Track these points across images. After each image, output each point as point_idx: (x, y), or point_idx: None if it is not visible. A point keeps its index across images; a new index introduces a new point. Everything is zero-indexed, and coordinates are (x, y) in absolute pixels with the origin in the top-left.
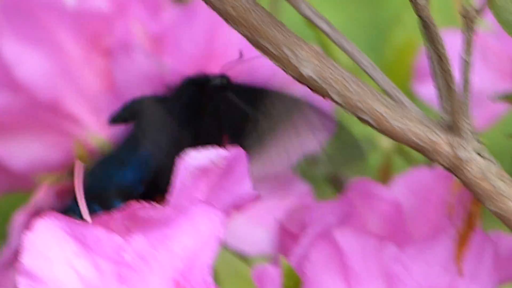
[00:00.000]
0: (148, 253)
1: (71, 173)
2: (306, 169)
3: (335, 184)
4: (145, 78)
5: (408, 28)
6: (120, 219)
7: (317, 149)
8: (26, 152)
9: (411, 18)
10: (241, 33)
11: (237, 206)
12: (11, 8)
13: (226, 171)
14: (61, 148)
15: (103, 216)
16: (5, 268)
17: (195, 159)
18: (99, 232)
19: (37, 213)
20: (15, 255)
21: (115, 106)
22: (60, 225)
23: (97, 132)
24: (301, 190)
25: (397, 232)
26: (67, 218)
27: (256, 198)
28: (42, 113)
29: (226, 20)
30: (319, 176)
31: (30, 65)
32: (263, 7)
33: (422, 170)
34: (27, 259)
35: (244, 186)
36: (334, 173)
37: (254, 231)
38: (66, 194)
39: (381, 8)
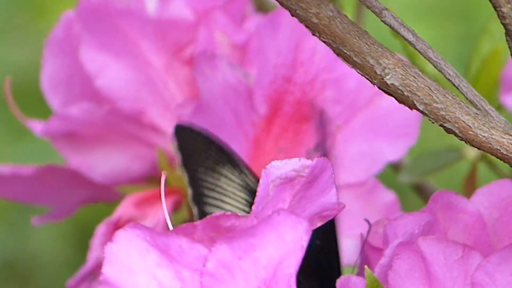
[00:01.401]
0: (232, 263)
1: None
2: (391, 178)
3: (420, 193)
4: (228, 87)
5: (495, 38)
6: (203, 229)
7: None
8: (108, 163)
9: (499, 29)
10: (324, 42)
11: (321, 216)
12: (92, 18)
13: (311, 180)
14: (143, 159)
15: (186, 226)
16: (88, 279)
17: (279, 169)
18: (181, 242)
19: (120, 224)
20: (98, 266)
21: (198, 116)
22: (142, 235)
23: None
24: (388, 199)
25: (480, 245)
26: (149, 228)
27: (341, 208)
28: (124, 124)
29: (309, 28)
30: (404, 185)
31: (113, 75)
32: (346, 16)
33: (505, 182)
34: (109, 270)
35: (329, 196)
36: (419, 182)
37: (342, 242)
38: (148, 205)
39: (470, 20)
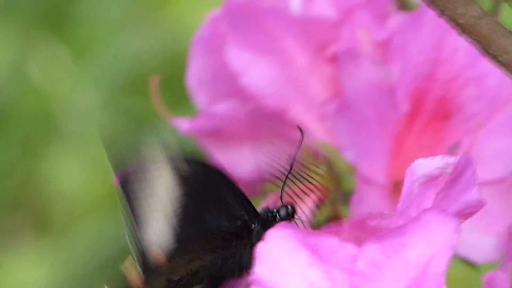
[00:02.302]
0: (382, 262)
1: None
2: None
3: None
4: (371, 85)
5: None
6: (350, 229)
7: None
8: (251, 160)
9: None
10: (469, 41)
11: (464, 214)
12: (237, 16)
13: (454, 178)
14: (287, 156)
15: (333, 227)
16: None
17: (424, 167)
18: (332, 241)
19: None
20: None
21: (342, 113)
22: (293, 235)
23: (324, 139)
24: None
25: None
26: (300, 228)
27: (482, 205)
28: (268, 122)
29: (454, 27)
30: None
31: (257, 73)
32: (492, 16)
33: None
34: (261, 269)
35: (471, 194)
36: None
37: (481, 239)
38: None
39: None
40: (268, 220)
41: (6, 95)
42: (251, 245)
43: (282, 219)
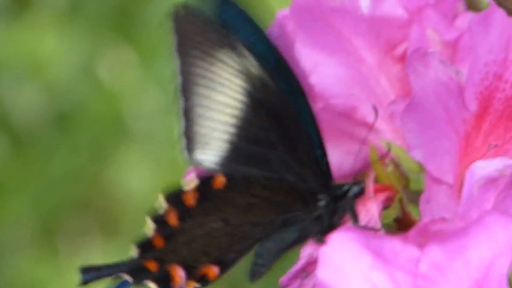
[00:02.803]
0: (445, 264)
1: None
2: None
3: None
4: (440, 84)
5: None
6: (413, 235)
7: None
8: None
9: None
10: None
11: None
12: (305, 15)
13: None
14: (355, 155)
15: (397, 235)
16: (300, 277)
17: (483, 169)
18: (394, 244)
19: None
20: (310, 264)
21: (410, 112)
22: (356, 238)
23: (392, 139)
24: None
25: None
26: (362, 230)
27: None
28: (337, 120)
29: None
30: None
31: (326, 72)
32: None
33: None
34: (324, 273)
35: None
36: None
37: None
38: (360, 202)
39: None
40: (340, 194)
41: (75, 96)
42: (318, 217)
43: (354, 195)
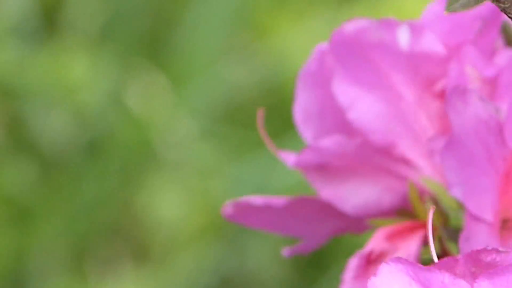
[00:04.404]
0: None
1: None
2: None
3: None
4: (480, 122)
5: None
6: (465, 263)
7: None
8: (359, 195)
9: None
10: None
11: None
12: (344, 50)
13: None
14: (394, 192)
15: (448, 260)
16: None
17: None
18: (444, 278)
19: (372, 257)
20: None
21: (449, 150)
22: (405, 269)
23: (431, 175)
24: None
25: None
26: (411, 262)
27: None
28: (375, 156)
29: None
30: None
31: (364, 108)
32: None
33: None
34: None
35: None
36: None
37: None
38: (400, 238)
39: None
40: None
41: (105, 123)
42: None
43: None
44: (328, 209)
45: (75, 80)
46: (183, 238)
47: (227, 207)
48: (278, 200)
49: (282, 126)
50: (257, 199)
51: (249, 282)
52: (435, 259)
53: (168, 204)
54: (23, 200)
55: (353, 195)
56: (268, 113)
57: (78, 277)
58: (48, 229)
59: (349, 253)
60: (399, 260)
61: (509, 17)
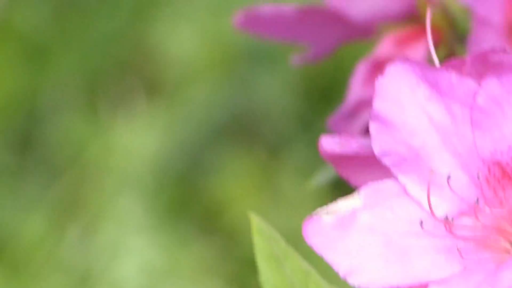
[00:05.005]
0: (502, 97)
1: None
2: None
3: None
4: None
5: None
6: (472, 64)
7: None
8: (367, 1)
9: None
10: None
11: None
12: None
13: None
14: None
15: (454, 61)
16: (347, 118)
17: None
18: (451, 76)
19: (380, 62)
20: (357, 103)
21: None
22: (413, 70)
23: None
24: None
25: None
26: (419, 62)
27: None
28: None
29: None
30: None
31: None
32: None
33: None
34: (379, 104)
35: None
36: None
37: None
38: (407, 43)
39: None
40: None
41: None
42: None
43: None
44: (336, 17)
45: None
46: (195, 73)
47: (239, 16)
48: (288, 8)
49: None
50: (267, 8)
51: (258, 118)
52: (436, 61)
53: (180, 40)
54: (37, 37)
55: (360, 1)
56: None
57: (90, 111)
58: (61, 65)
59: None
60: (406, 60)
61: None
